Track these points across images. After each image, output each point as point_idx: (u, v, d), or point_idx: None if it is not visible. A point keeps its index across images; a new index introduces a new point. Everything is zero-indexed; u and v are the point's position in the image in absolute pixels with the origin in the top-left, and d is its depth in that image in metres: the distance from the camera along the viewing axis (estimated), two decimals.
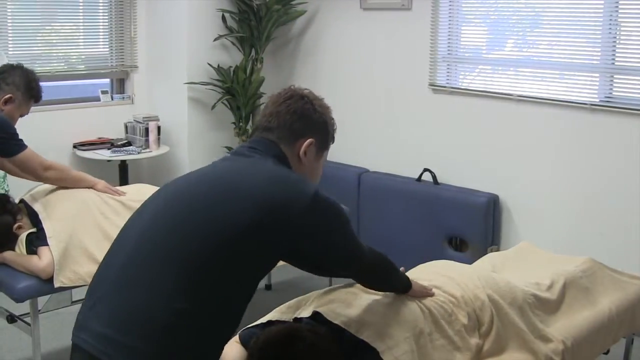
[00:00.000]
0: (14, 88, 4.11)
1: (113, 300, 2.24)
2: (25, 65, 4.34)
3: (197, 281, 2.20)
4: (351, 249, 2.52)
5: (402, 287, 2.90)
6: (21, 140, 4.09)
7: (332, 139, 2.68)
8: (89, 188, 4.38)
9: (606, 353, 3.72)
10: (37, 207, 4.17)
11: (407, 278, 2.92)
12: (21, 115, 4.23)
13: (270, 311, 3.00)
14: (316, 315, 2.79)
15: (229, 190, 2.31)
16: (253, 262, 2.31)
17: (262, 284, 5.88)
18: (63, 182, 4.32)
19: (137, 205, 2.55)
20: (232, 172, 2.42)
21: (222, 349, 2.36)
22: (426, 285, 3.03)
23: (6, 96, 4.07)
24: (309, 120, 2.55)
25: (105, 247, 2.51)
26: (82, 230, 4.15)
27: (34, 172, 4.18)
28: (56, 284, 4.00)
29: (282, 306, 2.99)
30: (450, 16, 5.81)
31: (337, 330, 2.71)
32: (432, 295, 3.00)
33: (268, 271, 2.44)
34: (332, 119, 2.65)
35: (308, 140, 2.53)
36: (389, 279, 2.84)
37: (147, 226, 2.34)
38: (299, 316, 2.83)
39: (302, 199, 2.30)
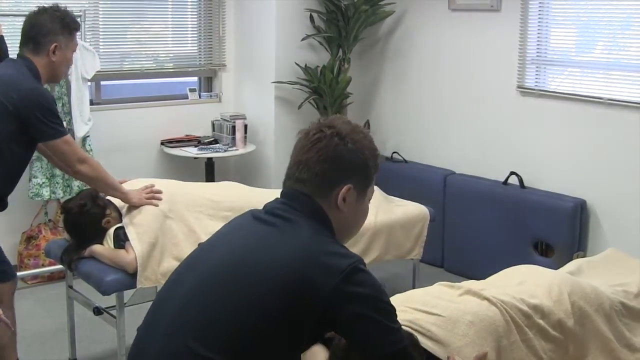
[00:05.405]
0: (53, 36, 3.88)
1: None
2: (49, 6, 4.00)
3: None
4: (390, 338, 2.22)
5: None
6: (62, 124, 3.92)
7: (376, 171, 2.40)
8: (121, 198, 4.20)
9: None
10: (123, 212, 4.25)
11: None
12: (73, 52, 4.04)
13: None
14: None
15: (255, 272, 2.17)
16: (285, 345, 2.17)
17: None
18: (94, 183, 4.10)
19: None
20: (261, 248, 2.24)
21: None
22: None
23: (51, 47, 3.86)
24: (343, 164, 2.30)
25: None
26: (166, 231, 4.20)
27: (69, 162, 3.92)
28: (138, 285, 4.07)
29: None
30: (539, 17, 5.74)
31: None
32: None
33: (305, 349, 2.29)
34: (373, 149, 2.38)
35: (345, 187, 2.29)
36: None
37: (177, 309, 2.32)
38: None
39: (332, 275, 2.12)
